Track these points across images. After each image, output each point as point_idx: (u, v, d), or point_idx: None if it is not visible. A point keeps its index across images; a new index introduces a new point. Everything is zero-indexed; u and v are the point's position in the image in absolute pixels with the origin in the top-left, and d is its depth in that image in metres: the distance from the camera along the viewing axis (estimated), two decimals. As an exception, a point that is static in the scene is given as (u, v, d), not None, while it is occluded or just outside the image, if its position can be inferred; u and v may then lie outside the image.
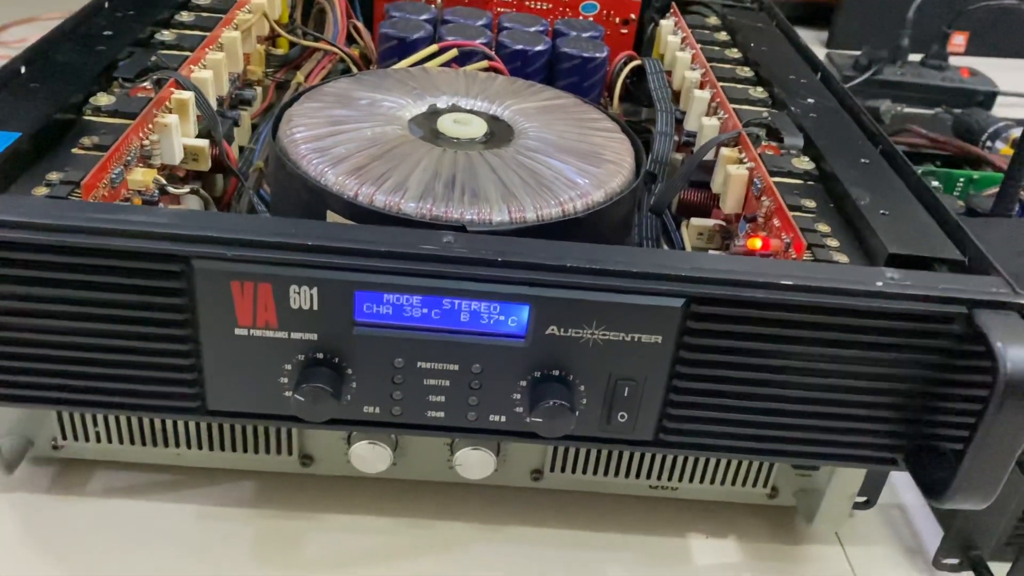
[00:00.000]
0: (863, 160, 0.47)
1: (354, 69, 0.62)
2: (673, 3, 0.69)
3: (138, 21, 0.54)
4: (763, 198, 0.44)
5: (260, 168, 0.52)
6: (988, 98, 1.06)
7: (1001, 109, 1.03)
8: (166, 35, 0.53)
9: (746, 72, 0.58)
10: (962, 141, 0.82)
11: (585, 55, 0.62)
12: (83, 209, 0.35)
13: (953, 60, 1.12)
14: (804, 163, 0.47)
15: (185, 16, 0.56)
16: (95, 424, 0.45)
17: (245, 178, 0.50)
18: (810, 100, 0.54)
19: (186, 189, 0.45)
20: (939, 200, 0.42)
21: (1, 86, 0.44)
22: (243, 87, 0.58)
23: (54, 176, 0.38)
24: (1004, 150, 0.78)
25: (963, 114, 0.86)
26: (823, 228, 0.41)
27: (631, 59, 0.64)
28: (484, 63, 0.59)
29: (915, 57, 1.09)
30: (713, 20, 0.68)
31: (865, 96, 1.01)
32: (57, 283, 0.34)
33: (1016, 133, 0.80)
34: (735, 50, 0.62)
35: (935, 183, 0.72)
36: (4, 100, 0.43)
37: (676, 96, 0.61)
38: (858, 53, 1.10)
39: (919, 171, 0.72)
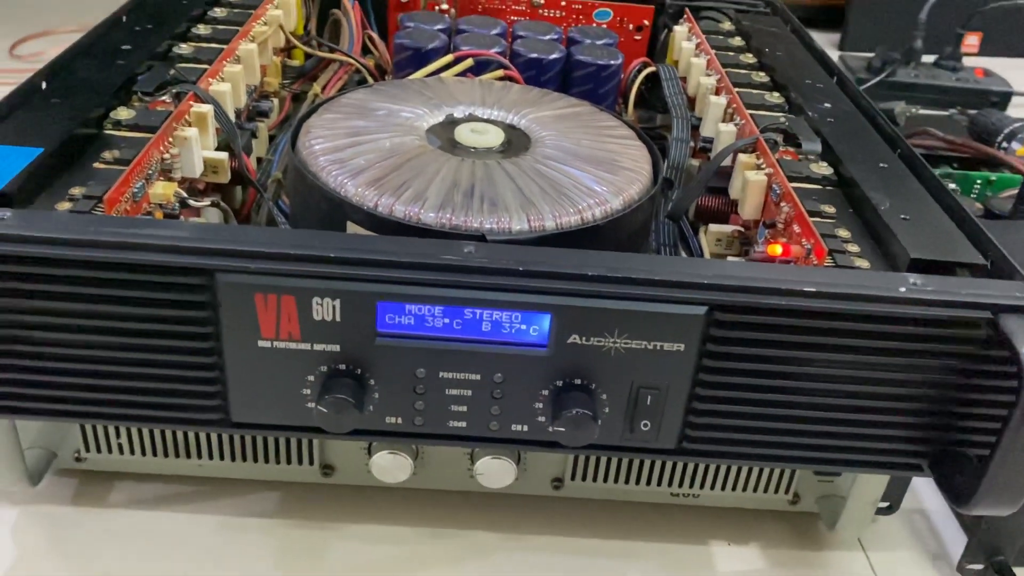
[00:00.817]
0: (882, 164, 0.47)
1: (370, 79, 0.62)
2: (687, 9, 0.69)
3: (156, 35, 0.54)
4: (782, 204, 0.44)
5: (279, 179, 0.52)
6: (1003, 98, 1.05)
7: (1016, 109, 1.03)
8: (184, 48, 0.53)
9: (762, 77, 0.58)
10: (978, 142, 0.82)
11: (599, 62, 0.62)
12: (107, 224, 0.35)
13: (967, 60, 1.11)
14: (822, 168, 0.47)
15: (202, 29, 0.57)
16: (118, 436, 0.46)
17: (264, 189, 0.51)
18: (826, 104, 0.54)
19: (206, 202, 0.45)
20: (959, 203, 0.42)
21: (23, 102, 0.45)
22: (260, 99, 0.58)
23: (77, 191, 0.39)
24: (1020, 151, 0.78)
25: (978, 115, 0.86)
26: (843, 234, 0.41)
27: (645, 65, 0.65)
28: (499, 72, 0.59)
29: (928, 58, 1.09)
30: (727, 25, 0.68)
31: (879, 98, 1.00)
32: (81, 297, 0.35)
33: (1033, 134, 0.79)
34: (750, 55, 0.62)
35: (952, 185, 0.72)
36: (26, 116, 0.43)
37: (691, 102, 0.61)
38: (871, 55, 1.10)
39: (936, 173, 0.72)
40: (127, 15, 0.57)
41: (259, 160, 0.56)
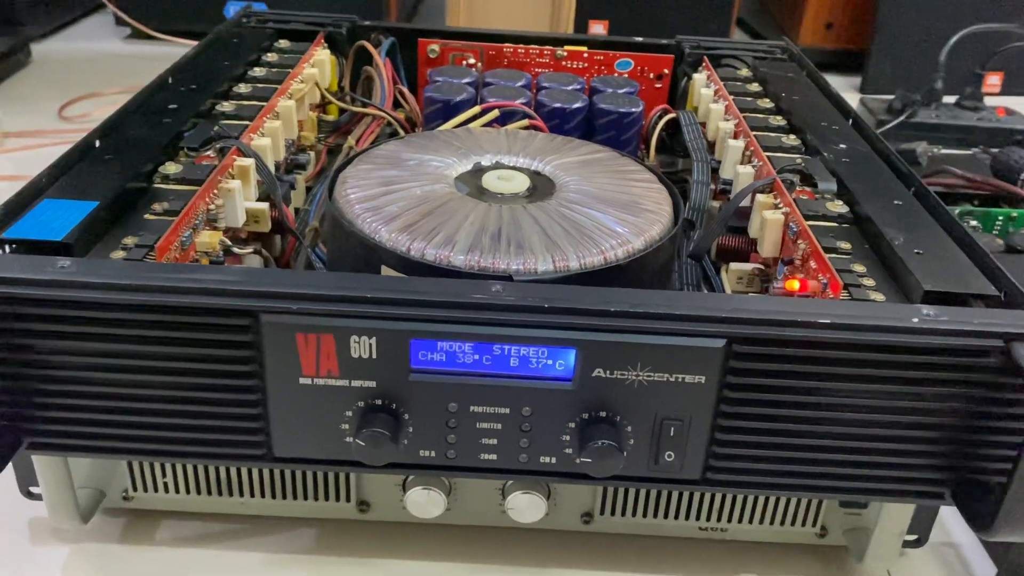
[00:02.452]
0: (896, 201, 0.48)
1: (401, 132, 0.65)
2: (705, 57, 0.71)
3: (200, 94, 0.57)
4: (799, 241, 0.46)
5: (316, 228, 0.55)
6: (1026, 137, 1.06)
7: (1039, 147, 1.03)
8: (226, 106, 0.57)
9: (778, 121, 0.60)
10: (1000, 180, 0.83)
11: (621, 110, 0.64)
12: (159, 269, 0.38)
13: (989, 100, 1.13)
14: (838, 206, 0.48)
15: (243, 88, 0.60)
16: (163, 475, 0.47)
17: (302, 237, 0.53)
18: (842, 146, 0.55)
19: (249, 250, 0.48)
20: (972, 237, 0.43)
21: (79, 159, 0.48)
22: (297, 152, 0.61)
23: (130, 240, 0.41)
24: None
25: (1000, 153, 0.87)
26: (859, 268, 0.43)
27: (666, 112, 0.67)
28: (525, 122, 0.62)
29: (950, 99, 1.10)
30: (744, 72, 0.70)
31: (901, 139, 1.02)
32: (134, 339, 0.37)
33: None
34: (767, 100, 0.64)
35: (973, 222, 0.73)
36: (83, 172, 0.46)
37: (711, 146, 0.63)
38: (891, 97, 1.12)
39: (957, 211, 0.74)
40: (172, 77, 0.60)
41: (296, 210, 0.59)
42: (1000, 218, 0.73)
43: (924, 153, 0.95)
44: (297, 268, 0.53)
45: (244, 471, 0.47)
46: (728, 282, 0.52)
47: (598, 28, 1.29)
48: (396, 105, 0.69)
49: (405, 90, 0.69)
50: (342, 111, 0.68)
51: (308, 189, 0.62)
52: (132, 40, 1.35)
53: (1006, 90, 1.31)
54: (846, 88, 1.33)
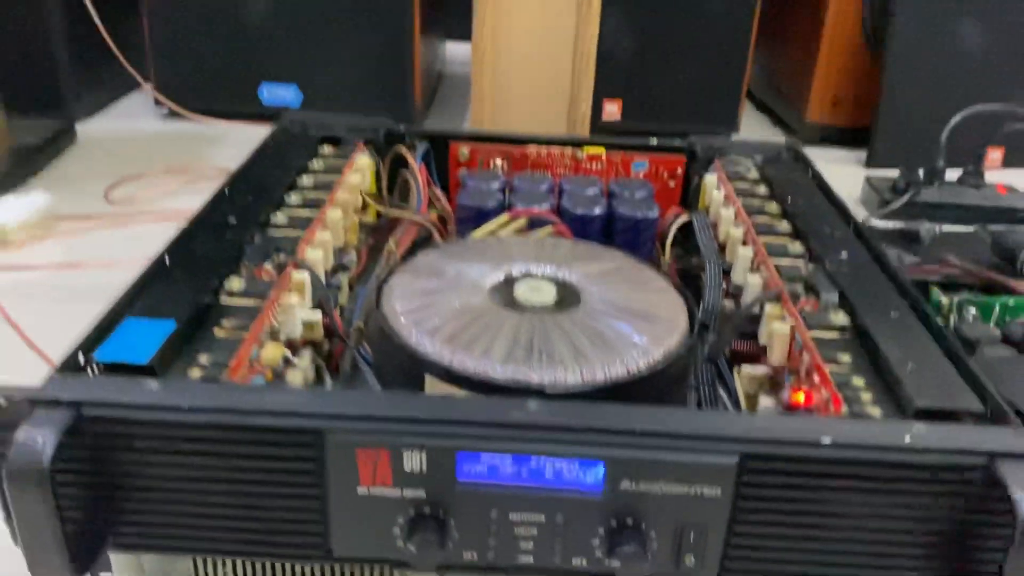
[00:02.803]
0: (893, 313, 0.53)
1: (435, 235, 0.70)
2: (716, 159, 0.77)
3: (256, 205, 0.63)
4: (803, 354, 0.50)
5: (360, 328, 0.60)
6: (1027, 215, 1.11)
7: (1039, 226, 1.08)
8: (279, 216, 0.62)
9: (784, 226, 0.65)
10: (1000, 261, 0.88)
11: (638, 216, 0.70)
12: (237, 391, 0.43)
13: (990, 175, 1.18)
14: (839, 318, 0.53)
15: (294, 197, 0.65)
16: (223, 566, 0.52)
17: (348, 338, 0.58)
18: (844, 253, 0.60)
19: (306, 358, 0.53)
20: (962, 354, 0.48)
21: (152, 278, 0.53)
22: (342, 254, 0.66)
23: (204, 359, 0.46)
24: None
25: (1002, 234, 0.92)
26: (857, 382, 0.47)
27: (679, 215, 0.72)
28: (550, 228, 0.67)
29: (953, 171, 1.15)
30: (753, 174, 0.75)
31: (906, 217, 1.07)
32: (212, 454, 0.42)
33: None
34: (774, 203, 0.69)
35: (972, 310, 0.77)
36: (156, 290, 0.52)
37: (722, 247, 0.68)
38: (896, 176, 1.17)
39: (956, 299, 0.78)
40: (229, 188, 0.66)
41: (341, 309, 0.64)
42: (997, 306, 0.78)
43: (928, 233, 1.00)
44: (344, 368, 0.58)
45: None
46: (741, 384, 0.57)
47: (612, 108, 1.35)
48: (430, 204, 0.75)
49: (438, 191, 0.75)
50: (380, 213, 0.74)
51: (350, 287, 0.67)
52: (171, 119, 1.42)
53: (1008, 162, 1.36)
54: (852, 162, 1.38)
